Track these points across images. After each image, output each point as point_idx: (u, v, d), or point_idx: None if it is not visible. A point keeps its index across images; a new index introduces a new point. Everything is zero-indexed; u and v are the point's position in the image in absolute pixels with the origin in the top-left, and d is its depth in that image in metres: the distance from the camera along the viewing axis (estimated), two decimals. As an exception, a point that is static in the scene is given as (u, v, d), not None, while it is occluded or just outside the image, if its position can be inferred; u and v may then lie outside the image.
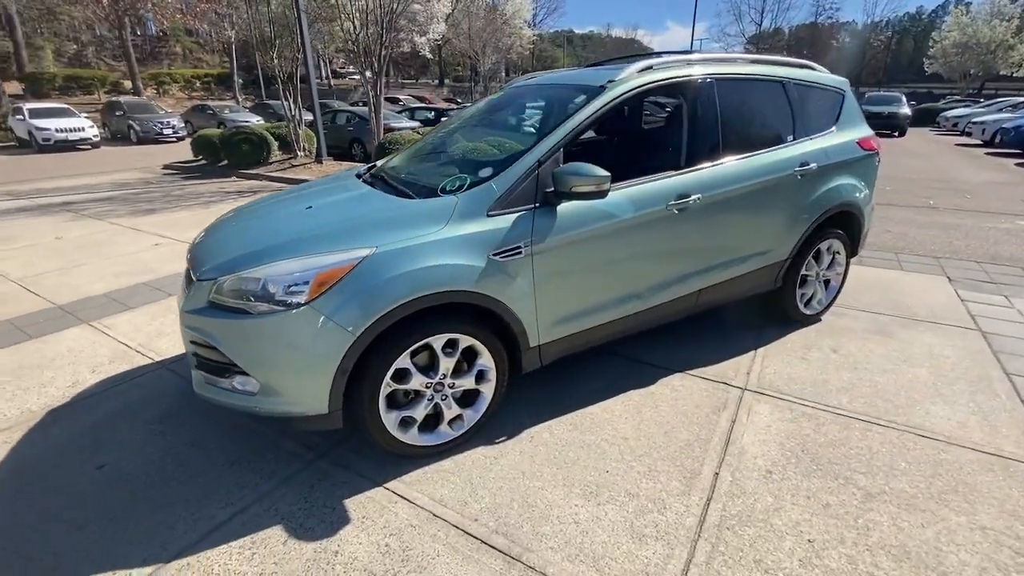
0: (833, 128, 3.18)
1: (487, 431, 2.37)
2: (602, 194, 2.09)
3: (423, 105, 19.78)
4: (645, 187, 2.40)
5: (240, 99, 25.72)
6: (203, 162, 11.99)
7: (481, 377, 2.24)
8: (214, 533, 1.86)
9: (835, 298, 3.54)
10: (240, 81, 28.05)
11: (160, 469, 2.19)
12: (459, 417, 2.23)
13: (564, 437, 2.36)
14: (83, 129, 15.90)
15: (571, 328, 2.38)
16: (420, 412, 2.12)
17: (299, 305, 1.82)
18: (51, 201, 8.25)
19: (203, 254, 2.20)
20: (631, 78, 2.43)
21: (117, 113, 18.77)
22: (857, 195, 3.25)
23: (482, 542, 1.80)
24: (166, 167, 12.12)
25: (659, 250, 2.51)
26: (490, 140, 2.64)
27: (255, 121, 17.36)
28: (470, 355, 2.19)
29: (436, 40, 20.16)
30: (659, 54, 2.84)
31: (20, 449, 2.34)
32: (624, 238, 2.36)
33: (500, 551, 1.77)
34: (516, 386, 2.69)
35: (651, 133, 3.40)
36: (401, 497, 2.01)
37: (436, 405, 2.15)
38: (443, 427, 2.21)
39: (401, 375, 2.03)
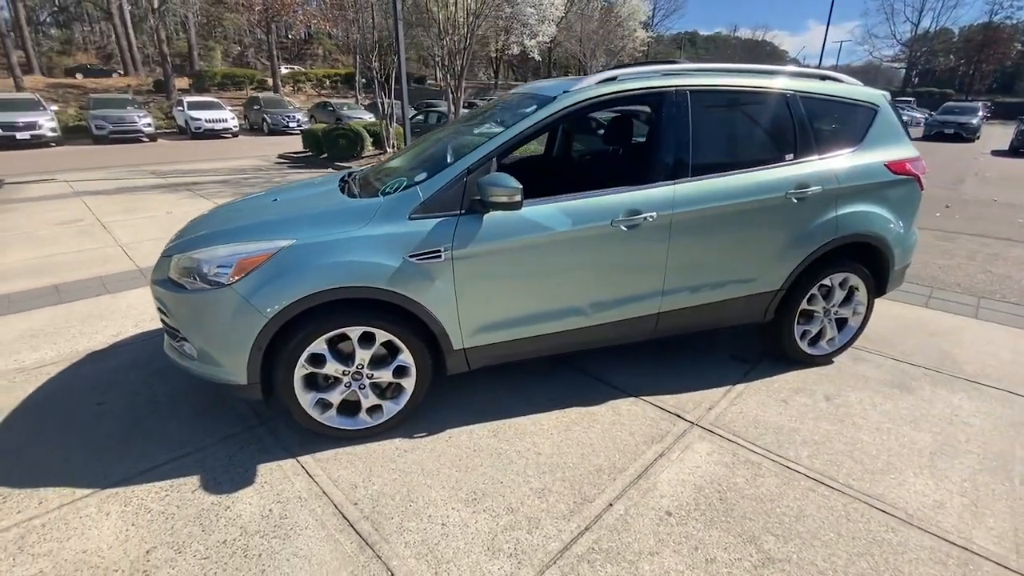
0: (853, 148, 2.80)
1: (411, 425, 2.47)
2: (515, 205, 2.08)
3: (519, 107, 20.15)
4: (589, 201, 2.33)
5: (360, 97, 28.09)
6: (309, 154, 13.38)
7: (402, 372, 2.34)
8: (149, 472, 2.18)
9: (853, 339, 3.10)
10: (363, 80, 30.64)
11: (139, 413, 2.59)
12: (378, 407, 2.36)
13: (481, 443, 2.38)
14: (226, 120, 18.52)
15: (500, 336, 2.39)
16: (336, 397, 2.27)
17: (223, 285, 2.06)
18: (180, 181, 9.75)
19: (179, 233, 2.56)
20: (587, 89, 2.37)
21: (255, 107, 21.56)
22: (884, 225, 2.83)
23: (350, 524, 1.91)
24: (280, 156, 13.70)
25: (603, 267, 2.42)
26: (454, 145, 2.71)
27: (366, 118, 18.90)
28: (394, 350, 2.30)
29: (546, 43, 20.36)
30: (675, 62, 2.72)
31: (55, 380, 2.88)
32: (559, 251, 2.32)
33: (361, 536, 1.86)
34: (456, 388, 2.76)
35: (607, 146, 3.22)
36: (305, 471, 2.19)
37: (354, 392, 2.30)
38: (362, 415, 2.35)
39: (318, 359, 2.20)
